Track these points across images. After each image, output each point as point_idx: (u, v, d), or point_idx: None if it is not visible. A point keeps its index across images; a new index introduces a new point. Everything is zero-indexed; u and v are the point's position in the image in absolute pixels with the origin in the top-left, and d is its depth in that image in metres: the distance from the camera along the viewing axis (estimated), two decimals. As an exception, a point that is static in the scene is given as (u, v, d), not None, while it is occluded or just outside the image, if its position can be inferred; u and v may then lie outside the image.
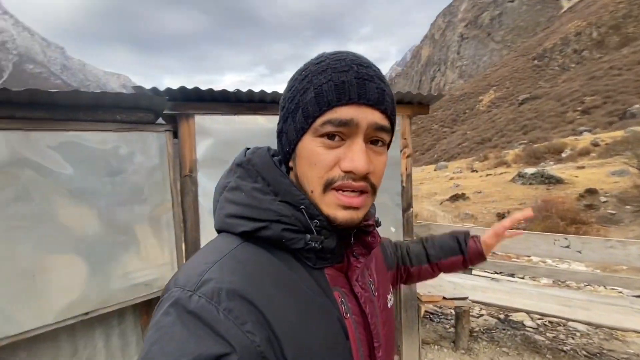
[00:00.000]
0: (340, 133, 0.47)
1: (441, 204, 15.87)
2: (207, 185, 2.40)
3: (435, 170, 33.57)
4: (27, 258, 1.79)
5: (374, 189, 0.51)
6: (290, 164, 0.53)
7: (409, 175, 2.80)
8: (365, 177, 0.48)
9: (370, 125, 0.47)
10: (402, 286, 2.78)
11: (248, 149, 0.56)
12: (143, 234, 2.19)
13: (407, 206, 2.80)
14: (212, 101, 2.37)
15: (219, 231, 0.53)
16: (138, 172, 2.15)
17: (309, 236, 0.48)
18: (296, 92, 0.49)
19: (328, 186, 0.48)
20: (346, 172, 0.47)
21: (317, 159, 0.48)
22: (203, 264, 0.45)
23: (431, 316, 3.77)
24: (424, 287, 3.10)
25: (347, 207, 0.48)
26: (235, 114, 2.43)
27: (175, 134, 2.35)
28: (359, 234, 0.56)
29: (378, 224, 0.63)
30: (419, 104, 2.78)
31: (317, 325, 0.46)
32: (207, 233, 2.40)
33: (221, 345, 0.37)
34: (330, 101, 0.47)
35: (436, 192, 18.78)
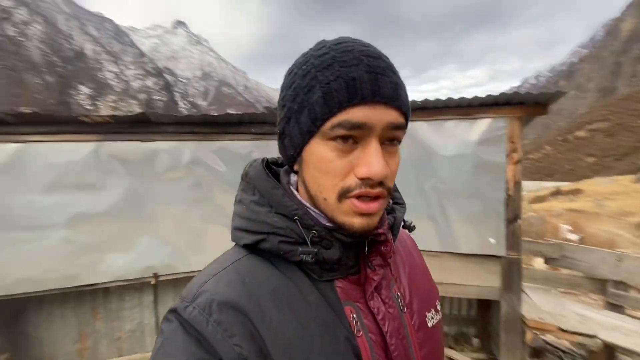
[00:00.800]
0: (353, 136, 0.42)
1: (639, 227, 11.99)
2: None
3: (635, 182, 25.36)
4: (196, 223, 2.73)
5: (389, 193, 0.46)
6: (296, 167, 0.49)
7: (517, 183, 2.55)
8: (381, 182, 0.43)
9: (386, 126, 0.43)
10: (502, 303, 2.57)
11: (255, 160, 0.54)
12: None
13: (513, 217, 2.56)
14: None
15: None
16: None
17: (300, 249, 0.45)
18: (298, 90, 0.44)
19: (344, 195, 0.43)
20: (363, 178, 0.42)
21: (329, 166, 0.43)
22: (205, 276, 0.46)
23: (555, 349, 3.15)
24: (536, 311, 2.71)
25: (363, 214, 0.44)
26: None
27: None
28: (374, 243, 0.49)
29: (411, 228, 0.58)
30: (535, 104, 2.50)
31: (318, 344, 0.42)
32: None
33: (212, 355, 0.39)
34: (341, 102, 0.41)
35: (631, 212, 14.29)
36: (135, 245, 2.64)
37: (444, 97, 2.64)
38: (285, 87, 0.46)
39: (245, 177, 0.52)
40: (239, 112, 2.71)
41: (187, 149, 2.72)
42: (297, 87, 0.44)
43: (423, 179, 2.78)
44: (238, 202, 0.52)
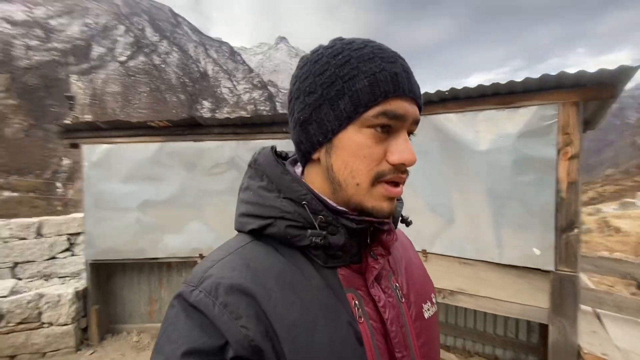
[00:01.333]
0: (390, 126, 0.46)
1: None
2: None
3: None
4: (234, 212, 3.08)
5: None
6: (316, 155, 0.49)
7: (572, 184, 2.10)
8: (406, 170, 0.48)
9: (413, 120, 0.47)
10: (551, 328, 2.15)
11: (264, 148, 0.56)
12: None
13: (567, 225, 2.11)
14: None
15: (238, 231, 0.53)
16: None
17: (309, 231, 0.46)
18: (336, 78, 0.45)
19: (377, 179, 0.46)
20: (396, 164, 0.46)
21: (367, 152, 0.45)
22: (210, 262, 0.47)
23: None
24: (604, 345, 2.13)
25: (391, 198, 0.47)
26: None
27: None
28: (377, 232, 0.51)
29: (408, 222, 0.59)
30: (597, 85, 2.02)
31: (321, 327, 0.43)
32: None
33: (218, 337, 0.39)
34: (387, 92, 0.44)
35: None
36: (186, 229, 3.12)
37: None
38: (312, 75, 0.47)
39: (253, 163, 0.53)
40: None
41: (228, 147, 3.08)
42: (333, 75, 0.45)
43: (453, 177, 2.52)
44: (244, 189, 0.53)
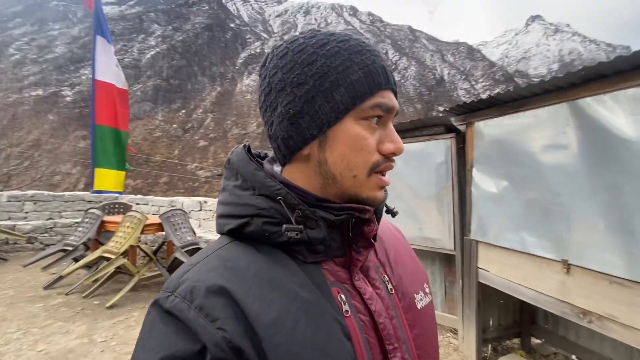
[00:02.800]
0: (382, 117, 0.47)
1: None
2: (479, 178, 2.90)
3: None
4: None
5: None
6: (307, 150, 0.48)
7: None
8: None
9: (397, 112, 0.49)
10: None
11: (237, 147, 0.55)
12: (432, 205, 3.26)
13: None
14: (485, 108, 2.83)
15: (220, 234, 0.52)
16: (432, 165, 3.26)
17: (284, 226, 0.44)
18: (328, 69, 0.45)
19: (373, 170, 0.47)
20: (387, 154, 0.47)
21: (364, 143, 0.46)
22: (187, 266, 0.45)
23: None
24: None
25: (382, 187, 0.49)
26: (501, 115, 2.68)
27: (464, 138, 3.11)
28: (358, 224, 0.49)
29: (394, 213, 0.59)
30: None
31: (302, 323, 0.42)
32: (477, 212, 2.90)
33: (194, 342, 0.38)
34: (380, 84, 0.46)
35: None
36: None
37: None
38: (297, 65, 0.46)
39: (227, 163, 0.53)
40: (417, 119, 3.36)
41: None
42: (324, 65, 0.45)
43: (597, 174, 1.98)
44: (221, 190, 0.52)
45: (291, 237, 0.44)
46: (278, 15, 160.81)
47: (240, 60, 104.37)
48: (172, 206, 5.69)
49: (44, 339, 3.14)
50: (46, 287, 4.45)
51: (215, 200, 6.85)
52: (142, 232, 4.52)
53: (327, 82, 0.45)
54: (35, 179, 17.25)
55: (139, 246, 4.54)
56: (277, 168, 0.53)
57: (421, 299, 0.57)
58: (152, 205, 7.43)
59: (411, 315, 0.54)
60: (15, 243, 6.26)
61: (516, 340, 3.35)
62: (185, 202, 6.96)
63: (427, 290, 0.60)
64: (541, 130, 2.33)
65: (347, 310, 0.46)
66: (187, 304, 0.40)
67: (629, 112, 1.85)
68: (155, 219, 4.91)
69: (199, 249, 4.75)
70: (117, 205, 6.07)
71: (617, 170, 1.91)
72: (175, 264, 4.54)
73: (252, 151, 0.55)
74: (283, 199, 0.45)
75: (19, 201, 7.13)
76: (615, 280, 1.92)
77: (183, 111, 78.54)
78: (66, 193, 7.82)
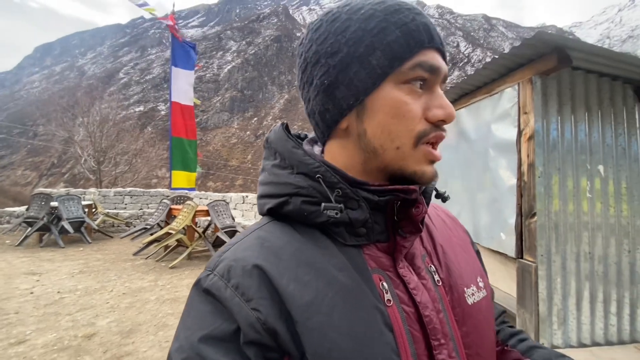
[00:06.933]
0: (426, 80, 0.42)
1: None
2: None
3: None
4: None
5: None
6: (344, 123, 0.44)
7: (531, 166, 1.96)
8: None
9: (445, 75, 0.43)
10: (517, 320, 2.12)
11: (275, 126, 0.52)
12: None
13: (527, 210, 1.99)
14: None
15: (261, 215, 0.51)
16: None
17: (323, 204, 0.41)
18: (362, 33, 0.41)
19: (419, 140, 0.42)
20: (436, 122, 0.42)
21: (406, 110, 0.41)
22: (227, 246, 0.45)
23: None
24: None
25: (432, 162, 0.43)
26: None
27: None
28: (404, 207, 0.45)
29: (445, 198, 0.52)
30: (559, 55, 1.83)
31: (340, 309, 0.39)
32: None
33: (230, 322, 0.38)
34: (422, 41, 0.41)
35: None
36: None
37: None
38: (331, 35, 0.43)
39: (266, 142, 0.51)
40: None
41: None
42: (358, 29, 0.41)
43: (463, 166, 2.67)
44: (261, 170, 0.51)
45: (330, 217, 0.42)
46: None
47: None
48: (223, 199, 7.23)
49: (128, 281, 4.81)
50: (134, 254, 6.30)
51: (254, 195, 8.31)
52: (194, 216, 6.10)
53: (361, 47, 0.41)
54: (133, 180, 21.50)
55: (192, 226, 6.12)
56: (317, 149, 0.51)
57: (473, 294, 0.50)
58: (210, 199, 9.28)
59: (459, 310, 0.47)
60: (118, 225, 8.58)
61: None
62: (233, 196, 8.61)
63: (481, 284, 0.53)
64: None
65: (389, 300, 0.41)
66: (225, 282, 0.39)
67: (474, 120, 2.55)
68: (204, 207, 6.49)
69: (236, 231, 6.17)
70: (181, 198, 7.99)
71: (467, 163, 2.62)
72: (219, 241, 6.02)
73: (292, 132, 0.52)
74: (322, 177, 0.43)
75: (121, 195, 9.69)
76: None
77: (255, 119, 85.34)
78: (151, 190, 10.23)
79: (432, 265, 0.49)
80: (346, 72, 0.42)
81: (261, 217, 0.50)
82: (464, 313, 0.47)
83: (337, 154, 0.46)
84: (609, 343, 2.15)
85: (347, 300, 0.39)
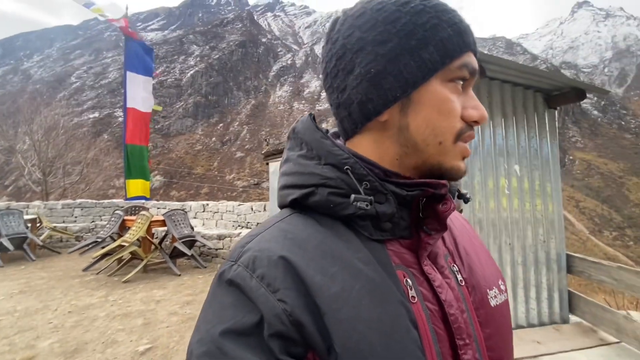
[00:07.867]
0: (466, 81, 0.43)
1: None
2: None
3: None
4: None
5: None
6: (385, 116, 0.43)
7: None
8: None
9: (477, 77, 0.45)
10: None
11: (302, 116, 0.52)
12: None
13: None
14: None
15: (280, 207, 0.50)
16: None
17: (353, 196, 0.41)
18: (414, 26, 0.41)
19: (459, 137, 0.43)
20: (470, 122, 0.43)
21: (451, 107, 0.42)
22: (248, 237, 0.44)
23: None
24: None
25: (464, 158, 0.45)
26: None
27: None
28: (430, 204, 0.45)
29: (466, 199, 0.52)
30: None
31: (367, 302, 0.38)
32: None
33: (254, 313, 0.37)
34: (469, 43, 0.42)
35: None
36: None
37: None
38: (379, 23, 0.42)
39: (292, 133, 0.51)
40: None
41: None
42: (409, 22, 0.41)
43: None
44: (284, 162, 0.50)
45: (360, 209, 0.41)
46: (307, 27, 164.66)
47: (273, 73, 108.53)
48: (181, 209, 7.03)
49: (75, 298, 4.53)
50: (84, 270, 5.93)
51: (215, 203, 8.17)
52: (150, 227, 5.87)
53: (413, 40, 0.41)
54: (86, 191, 20.10)
55: (147, 237, 5.89)
56: (339, 143, 0.49)
57: (495, 296, 0.50)
58: (169, 209, 8.96)
59: (483, 312, 0.47)
60: (67, 240, 8.02)
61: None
62: (193, 205, 8.39)
63: (502, 287, 0.53)
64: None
65: (413, 296, 0.41)
66: (250, 272, 0.39)
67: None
68: (160, 217, 6.27)
69: (195, 241, 6.02)
70: (136, 208, 7.64)
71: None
72: (176, 252, 5.83)
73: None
74: (351, 168, 0.42)
75: (70, 208, 9.06)
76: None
77: (221, 125, 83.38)
78: (105, 201, 9.70)
79: (455, 265, 0.49)
80: (395, 62, 0.41)
81: (280, 209, 0.49)
82: (487, 314, 0.47)
83: (368, 147, 0.46)
84: (530, 325, 2.38)
85: (373, 294, 0.39)
